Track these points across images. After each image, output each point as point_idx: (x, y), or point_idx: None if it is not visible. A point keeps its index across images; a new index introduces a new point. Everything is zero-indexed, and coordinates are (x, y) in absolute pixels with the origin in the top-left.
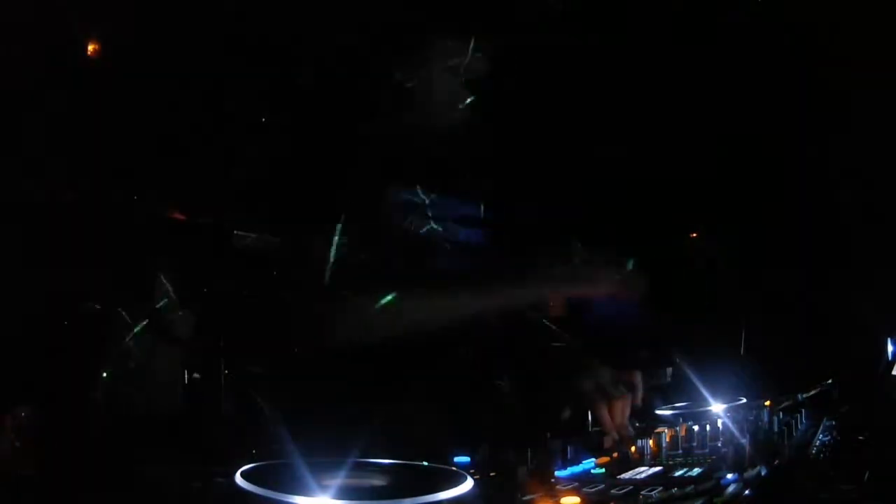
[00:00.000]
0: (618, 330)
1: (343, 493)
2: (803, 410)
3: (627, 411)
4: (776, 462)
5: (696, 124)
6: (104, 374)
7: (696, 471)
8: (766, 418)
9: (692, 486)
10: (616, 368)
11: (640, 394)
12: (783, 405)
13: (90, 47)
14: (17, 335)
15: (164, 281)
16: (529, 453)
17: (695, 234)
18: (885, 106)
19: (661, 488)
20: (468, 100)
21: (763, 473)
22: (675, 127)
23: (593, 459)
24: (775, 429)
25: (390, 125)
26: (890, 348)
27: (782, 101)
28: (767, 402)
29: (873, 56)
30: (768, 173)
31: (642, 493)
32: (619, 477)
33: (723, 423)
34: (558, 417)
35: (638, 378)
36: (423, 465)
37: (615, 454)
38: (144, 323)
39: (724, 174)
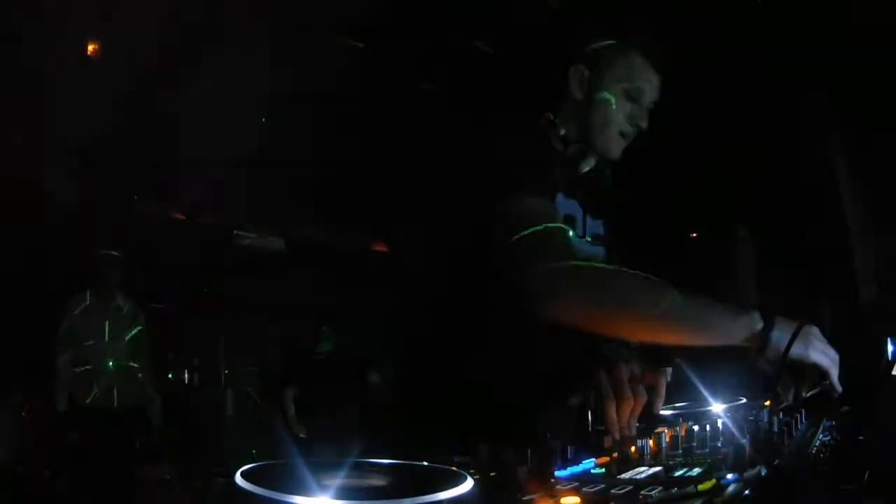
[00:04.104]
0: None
1: (343, 493)
2: (803, 410)
3: (638, 412)
4: (776, 462)
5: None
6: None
7: (696, 471)
8: (766, 418)
9: (692, 486)
10: (650, 365)
11: (660, 402)
12: (783, 405)
13: (90, 47)
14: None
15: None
16: (529, 453)
17: (695, 235)
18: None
19: (661, 488)
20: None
21: (763, 473)
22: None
23: (593, 459)
24: (775, 429)
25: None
26: (890, 348)
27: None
28: (767, 402)
29: None
30: (770, 177)
31: (642, 493)
32: (619, 477)
33: (723, 423)
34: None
35: (663, 384)
36: (423, 465)
37: (615, 454)
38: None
39: (729, 177)
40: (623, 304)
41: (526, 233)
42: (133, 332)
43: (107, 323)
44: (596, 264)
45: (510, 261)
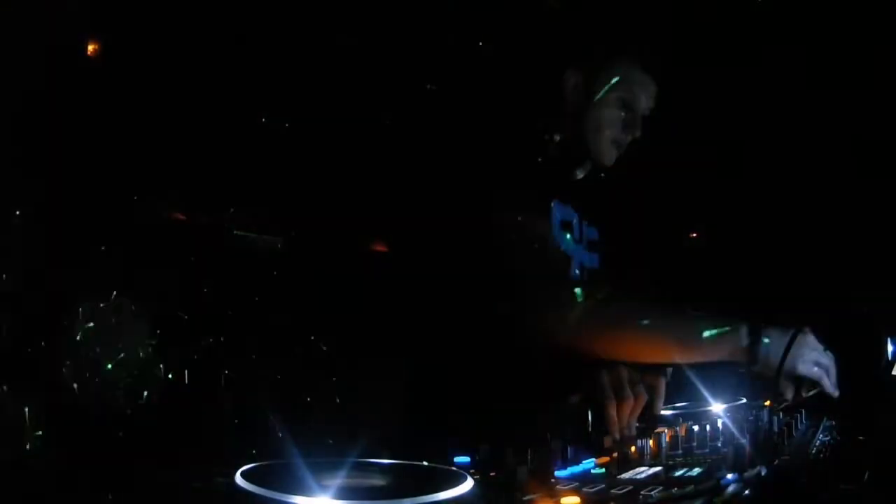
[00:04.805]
0: None
1: (343, 493)
2: (803, 410)
3: (638, 412)
4: (776, 462)
5: None
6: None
7: (696, 471)
8: (766, 418)
9: (692, 486)
10: (650, 365)
11: (660, 402)
12: (783, 405)
13: (90, 47)
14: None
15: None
16: (529, 453)
17: (695, 234)
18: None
19: (661, 488)
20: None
21: (763, 473)
22: None
23: (593, 459)
24: (775, 429)
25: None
26: (890, 348)
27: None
28: (767, 402)
29: None
30: (765, 175)
31: (642, 493)
32: (619, 477)
33: (723, 423)
34: (565, 402)
35: (662, 384)
36: (423, 465)
37: (615, 454)
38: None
39: (724, 175)
40: (612, 334)
41: (514, 261)
42: (141, 333)
43: (114, 324)
44: (582, 297)
45: (506, 293)
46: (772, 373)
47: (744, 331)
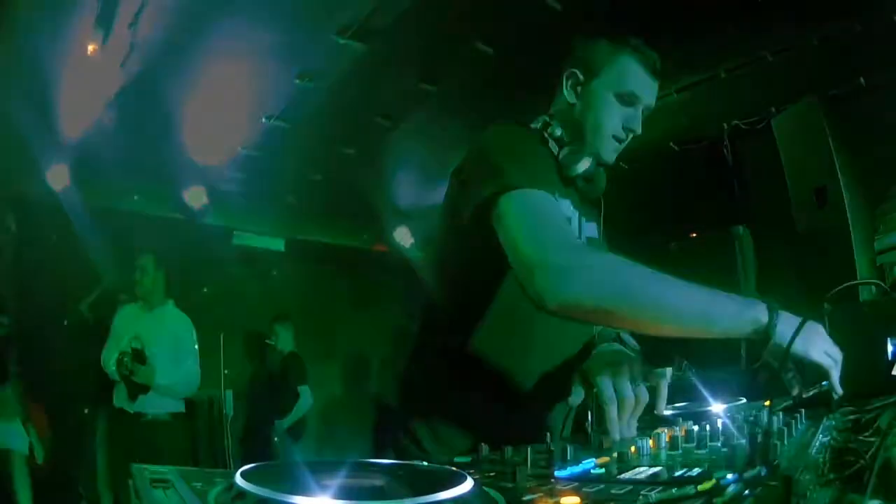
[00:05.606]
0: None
1: (343, 493)
2: (803, 410)
3: (638, 412)
4: (776, 462)
5: None
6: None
7: (696, 471)
8: (766, 418)
9: (692, 486)
10: (650, 365)
11: (660, 402)
12: (783, 405)
13: (90, 47)
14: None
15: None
16: (529, 453)
17: (694, 234)
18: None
19: (661, 488)
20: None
21: (763, 473)
22: None
23: (593, 459)
24: (775, 429)
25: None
26: (890, 348)
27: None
28: (767, 402)
29: None
30: (770, 177)
31: (642, 493)
32: (619, 477)
33: (723, 423)
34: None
35: (663, 384)
36: (423, 465)
37: (615, 454)
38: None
39: (729, 177)
40: (629, 296)
41: (529, 225)
42: (169, 339)
43: (144, 329)
44: (602, 255)
45: (515, 257)
46: (781, 357)
47: (762, 309)
